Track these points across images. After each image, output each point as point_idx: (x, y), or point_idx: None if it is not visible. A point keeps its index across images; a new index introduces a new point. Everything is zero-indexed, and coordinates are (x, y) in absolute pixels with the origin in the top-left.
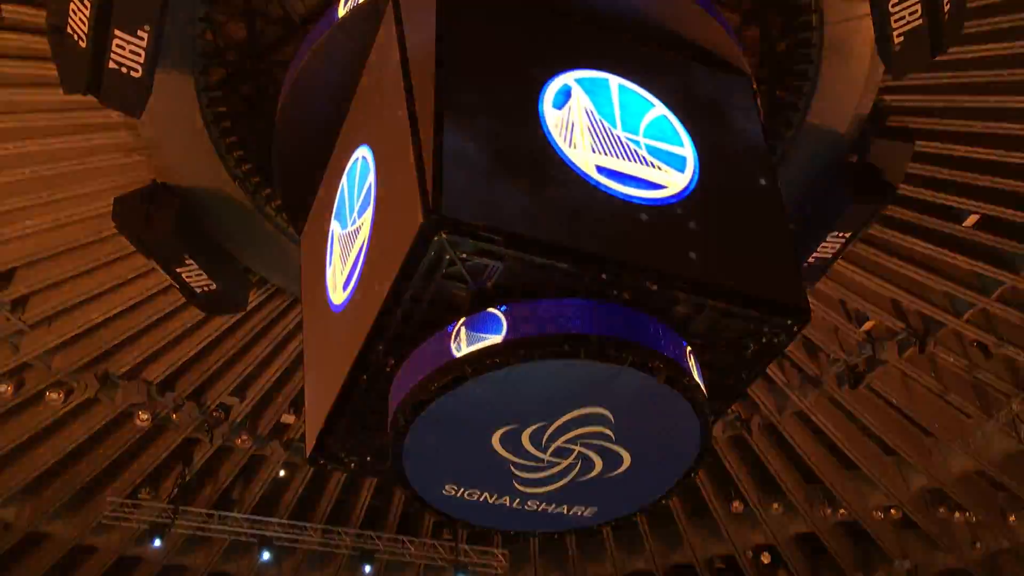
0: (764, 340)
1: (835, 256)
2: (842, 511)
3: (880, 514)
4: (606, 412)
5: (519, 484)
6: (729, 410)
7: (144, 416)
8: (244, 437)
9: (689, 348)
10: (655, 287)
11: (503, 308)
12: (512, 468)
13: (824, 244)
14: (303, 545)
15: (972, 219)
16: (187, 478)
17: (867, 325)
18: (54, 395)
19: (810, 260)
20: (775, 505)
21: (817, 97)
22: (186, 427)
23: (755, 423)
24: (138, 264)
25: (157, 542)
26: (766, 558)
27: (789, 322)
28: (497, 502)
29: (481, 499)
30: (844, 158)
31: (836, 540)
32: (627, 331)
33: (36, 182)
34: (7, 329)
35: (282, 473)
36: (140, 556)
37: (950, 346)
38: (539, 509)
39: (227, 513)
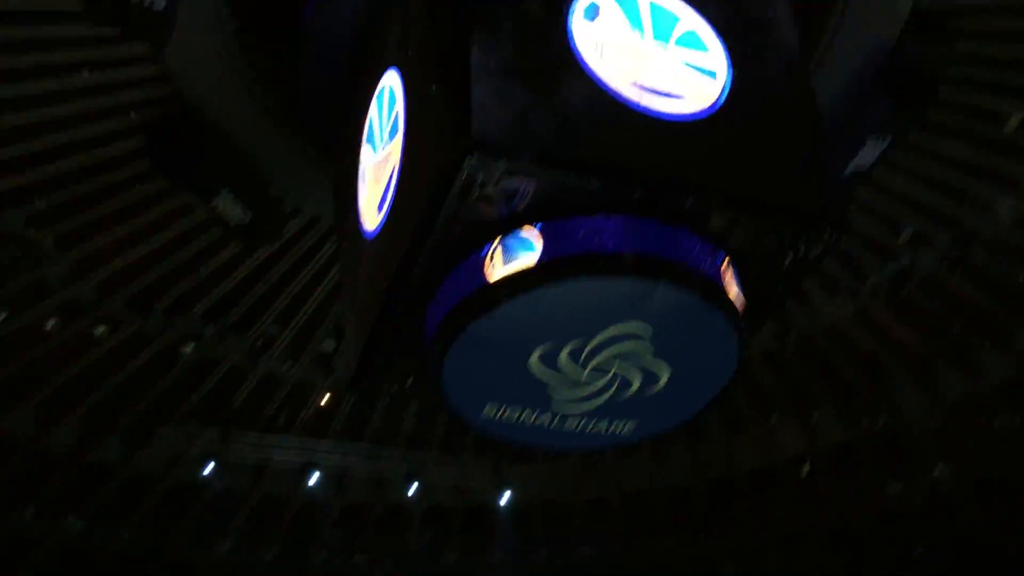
0: (800, 252)
1: (873, 164)
2: (880, 421)
3: (919, 423)
4: (644, 328)
5: (557, 404)
6: (766, 324)
7: (189, 348)
8: (288, 365)
9: (727, 261)
10: (689, 202)
11: (537, 227)
12: (550, 388)
13: (862, 151)
14: (350, 467)
15: (1015, 121)
16: (234, 407)
17: (906, 234)
18: (101, 330)
19: (848, 169)
20: (812, 417)
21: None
22: (231, 358)
23: (791, 336)
24: (177, 201)
25: (208, 470)
26: (804, 469)
27: (825, 233)
28: (536, 422)
29: (520, 420)
30: (883, 62)
31: (874, 450)
32: (663, 247)
33: (66, 121)
34: (52, 267)
35: (327, 399)
36: (192, 484)
37: (992, 252)
38: (577, 428)
39: (275, 439)
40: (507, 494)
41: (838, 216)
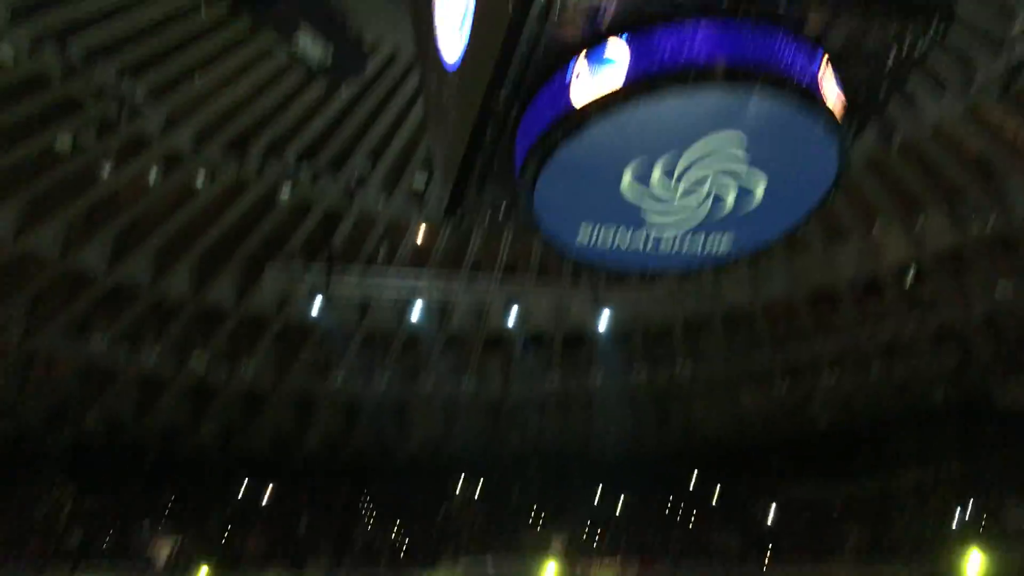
0: (905, 48)
1: None
2: (990, 222)
3: None
4: (739, 137)
5: (651, 225)
6: (868, 128)
7: (287, 191)
8: (383, 202)
9: (825, 63)
10: (783, 2)
11: (622, 39)
12: (643, 209)
13: None
14: (451, 297)
15: None
16: (335, 246)
17: (1020, 21)
18: (202, 178)
19: None
20: (918, 223)
21: None
22: (327, 198)
23: (896, 139)
24: (259, 45)
25: (315, 307)
26: (909, 276)
27: (932, 24)
28: (631, 246)
29: (615, 244)
30: None
31: (984, 252)
32: (756, 53)
33: None
34: (149, 119)
35: (423, 232)
36: (302, 321)
37: None
38: (673, 249)
39: (377, 274)
40: (605, 316)
41: (946, 4)
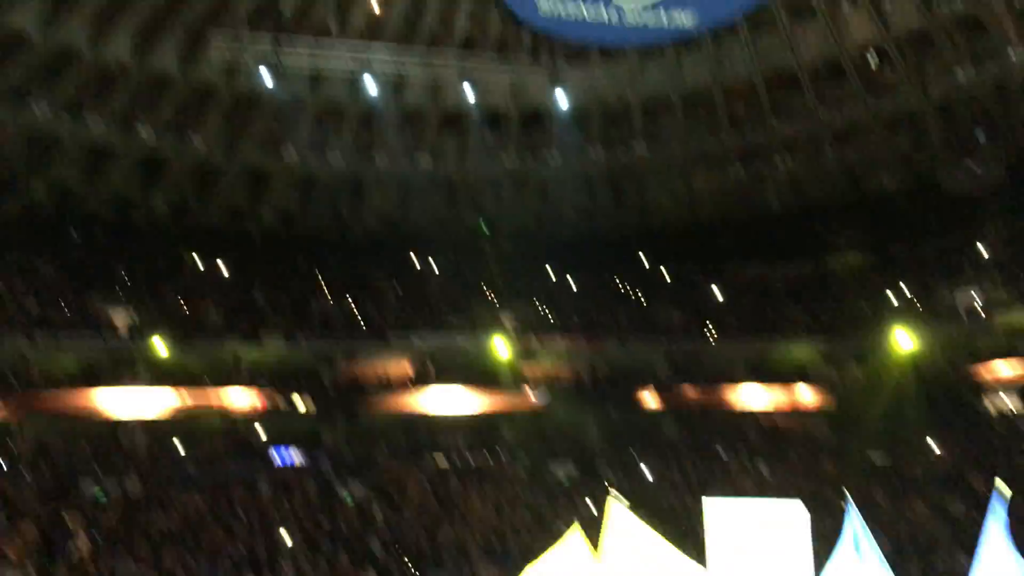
0: None
1: None
2: (958, 3)
3: (998, 3)
4: None
5: None
6: None
7: None
8: None
9: None
10: None
11: None
12: None
13: None
14: (406, 72)
15: None
16: (283, 13)
17: None
18: None
19: None
20: (885, 1)
21: None
22: None
23: None
24: None
25: (265, 79)
26: (872, 58)
27: None
28: (596, 19)
29: (578, 15)
30: None
31: (948, 33)
32: None
33: None
34: None
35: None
36: (253, 93)
37: None
38: (637, 22)
39: (328, 45)
40: (564, 95)
41: None
